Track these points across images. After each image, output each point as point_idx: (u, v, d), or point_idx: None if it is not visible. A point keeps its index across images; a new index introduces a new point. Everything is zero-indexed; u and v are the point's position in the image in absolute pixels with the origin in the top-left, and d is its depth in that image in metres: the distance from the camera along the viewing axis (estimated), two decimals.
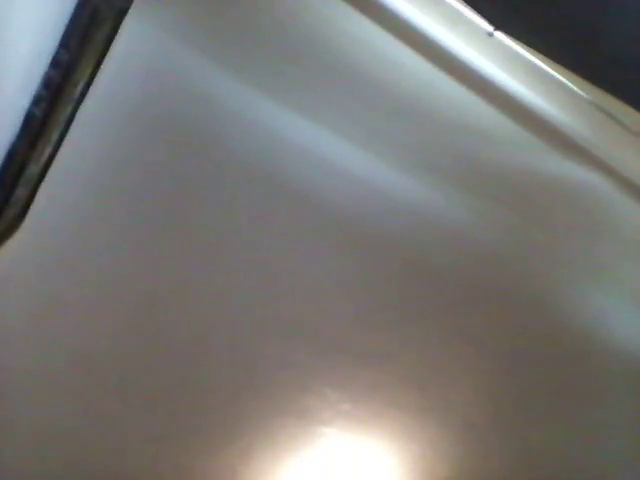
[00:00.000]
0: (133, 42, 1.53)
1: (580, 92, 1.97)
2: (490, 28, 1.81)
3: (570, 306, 2.29)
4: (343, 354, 2.03)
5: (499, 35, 1.83)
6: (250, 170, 1.77)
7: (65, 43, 1.33)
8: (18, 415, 1.75)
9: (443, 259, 2.06)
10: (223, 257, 1.83)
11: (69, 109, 1.46)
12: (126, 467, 1.90)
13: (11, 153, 1.34)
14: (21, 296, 1.66)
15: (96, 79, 1.47)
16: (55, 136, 1.47)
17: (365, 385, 2.08)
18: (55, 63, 1.33)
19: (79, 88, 1.44)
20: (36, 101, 1.34)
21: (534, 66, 1.91)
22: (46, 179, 1.54)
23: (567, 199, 2.15)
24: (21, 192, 1.45)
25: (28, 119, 1.34)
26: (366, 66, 1.79)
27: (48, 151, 1.48)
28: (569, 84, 1.95)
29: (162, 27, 1.58)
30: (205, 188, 1.76)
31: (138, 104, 1.61)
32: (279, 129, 1.76)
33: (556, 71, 1.92)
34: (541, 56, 1.87)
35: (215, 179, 1.76)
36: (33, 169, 1.44)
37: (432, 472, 2.25)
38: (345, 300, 1.99)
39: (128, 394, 1.85)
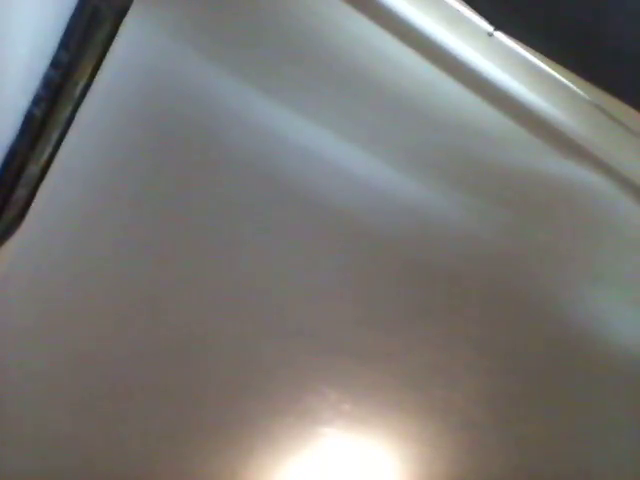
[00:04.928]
0: (133, 42, 1.53)
1: (580, 92, 1.97)
2: (490, 28, 1.81)
3: (570, 306, 2.29)
4: (343, 354, 2.02)
5: (499, 35, 1.83)
6: (250, 170, 1.77)
7: (65, 43, 1.33)
8: (18, 415, 1.75)
9: (443, 259, 2.06)
10: (223, 257, 1.83)
11: (69, 109, 1.46)
12: (126, 467, 1.90)
13: (11, 153, 1.34)
14: (21, 296, 1.66)
15: (96, 79, 1.47)
16: (55, 136, 1.47)
17: (365, 385, 2.08)
18: (55, 63, 1.34)
19: (79, 88, 1.44)
20: (36, 101, 1.34)
21: (534, 66, 1.91)
22: (46, 179, 1.54)
23: (567, 199, 2.14)
24: (21, 192, 1.45)
25: (28, 119, 1.34)
26: (366, 66, 1.79)
27: (48, 151, 1.48)
28: (569, 84, 1.95)
29: (162, 27, 1.58)
30: (205, 188, 1.76)
31: (138, 104, 1.61)
32: (279, 129, 1.76)
33: (556, 71, 1.92)
34: (541, 56, 1.87)
35: (215, 179, 1.76)
36: (33, 169, 1.44)
37: (432, 472, 2.25)
38: (345, 300, 1.99)
39: (128, 394, 1.85)
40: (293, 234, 1.88)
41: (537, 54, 1.87)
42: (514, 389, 2.28)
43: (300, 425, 2.04)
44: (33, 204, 1.55)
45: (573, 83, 1.94)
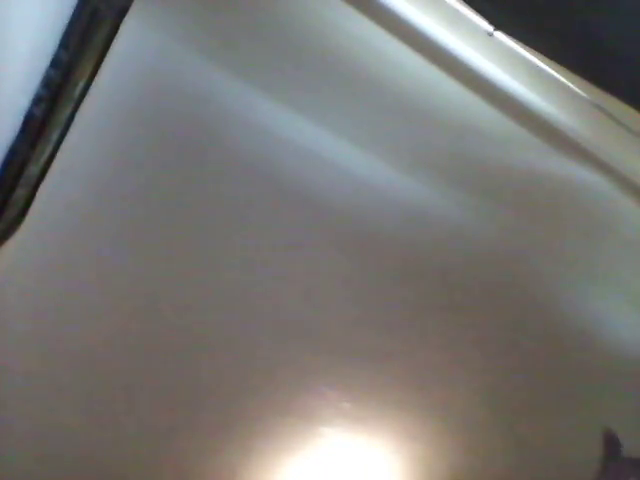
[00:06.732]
0: (133, 42, 1.53)
1: (580, 92, 1.97)
2: (490, 28, 1.81)
3: (570, 306, 2.29)
4: (343, 354, 2.03)
5: (499, 35, 1.83)
6: (250, 170, 1.77)
7: (65, 43, 1.33)
8: (18, 415, 1.75)
9: (443, 259, 2.06)
10: (223, 257, 1.83)
11: (69, 109, 1.46)
12: (126, 467, 1.90)
13: (11, 153, 1.34)
14: (21, 296, 1.66)
15: (96, 79, 1.47)
16: (55, 136, 1.47)
17: (365, 385, 2.08)
18: (55, 63, 1.34)
19: (79, 88, 1.44)
20: (36, 101, 1.34)
21: (534, 66, 1.91)
22: (46, 179, 1.54)
23: (567, 199, 2.14)
24: (21, 192, 1.45)
25: (28, 119, 1.34)
26: (366, 66, 1.79)
27: (48, 151, 1.48)
28: (569, 84, 1.95)
29: (162, 27, 1.58)
30: (205, 188, 1.76)
31: (138, 104, 1.61)
32: (279, 129, 1.76)
33: (556, 71, 1.92)
34: (541, 56, 1.87)
35: (215, 179, 1.76)
36: (33, 169, 1.44)
37: (432, 472, 2.25)
38: (345, 300, 1.99)
39: (128, 394, 1.85)
40: (292, 234, 1.88)
41: (537, 54, 1.87)
42: (514, 389, 2.28)
43: (300, 425, 2.04)
44: (33, 204, 1.55)
45: (573, 83, 1.94)
